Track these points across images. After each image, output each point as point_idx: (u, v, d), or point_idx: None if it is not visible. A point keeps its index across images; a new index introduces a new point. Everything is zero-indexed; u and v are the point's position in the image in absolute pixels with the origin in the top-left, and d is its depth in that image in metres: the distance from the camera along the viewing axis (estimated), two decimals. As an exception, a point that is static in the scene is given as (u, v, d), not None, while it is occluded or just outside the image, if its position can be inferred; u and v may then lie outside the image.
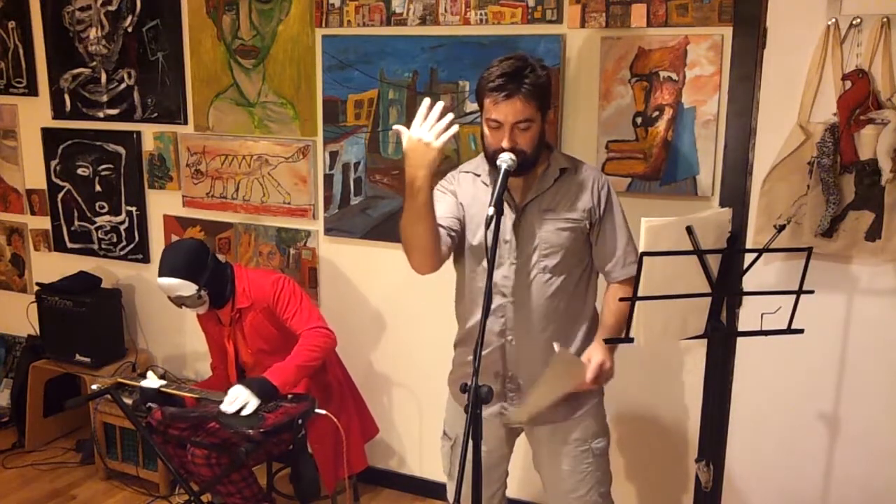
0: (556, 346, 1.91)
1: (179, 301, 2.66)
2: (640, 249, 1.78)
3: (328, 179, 3.09)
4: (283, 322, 2.70)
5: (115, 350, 3.50)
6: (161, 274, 2.63)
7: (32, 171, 3.78)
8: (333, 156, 3.06)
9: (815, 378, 2.48)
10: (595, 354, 1.96)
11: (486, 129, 1.91)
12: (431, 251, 1.91)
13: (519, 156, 1.86)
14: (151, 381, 2.67)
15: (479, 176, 2.07)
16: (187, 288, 2.61)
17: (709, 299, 1.96)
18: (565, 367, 1.93)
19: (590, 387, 1.96)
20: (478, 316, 2.07)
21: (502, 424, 2.12)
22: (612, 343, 1.97)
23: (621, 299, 1.89)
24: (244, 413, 2.48)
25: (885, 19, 2.20)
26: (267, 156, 3.18)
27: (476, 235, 2.01)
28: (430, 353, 3.02)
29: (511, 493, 2.37)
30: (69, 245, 3.75)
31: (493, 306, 1.97)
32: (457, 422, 2.16)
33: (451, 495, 2.26)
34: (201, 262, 2.65)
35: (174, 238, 3.46)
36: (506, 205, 1.97)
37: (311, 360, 2.62)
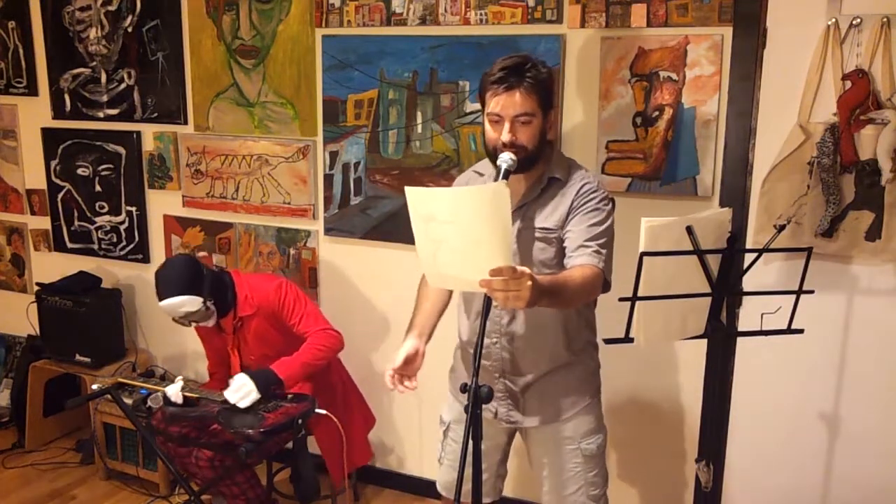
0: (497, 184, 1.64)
1: (188, 318, 2.62)
2: (641, 249, 1.78)
3: (328, 179, 3.08)
4: (290, 327, 2.69)
5: (115, 350, 3.50)
6: (163, 296, 2.57)
7: (32, 171, 3.78)
8: (333, 156, 3.06)
9: (815, 378, 2.48)
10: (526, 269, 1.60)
11: (487, 126, 1.91)
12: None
13: (519, 152, 1.85)
14: (174, 390, 2.60)
15: (482, 175, 2.06)
16: (193, 303, 2.58)
17: (709, 299, 1.96)
18: (491, 206, 1.52)
19: (486, 281, 1.56)
20: (470, 316, 2.09)
21: (496, 420, 2.12)
22: (611, 343, 1.96)
23: (621, 299, 1.86)
24: (243, 403, 2.48)
25: (885, 19, 2.20)
26: (267, 156, 3.18)
27: None
28: (429, 353, 3.00)
29: (511, 492, 2.37)
30: (69, 245, 3.75)
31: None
32: (449, 409, 2.23)
33: (439, 482, 2.29)
34: (198, 274, 2.62)
35: (174, 238, 3.46)
36: None
37: (317, 358, 2.62)
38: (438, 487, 2.29)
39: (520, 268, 1.56)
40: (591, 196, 1.92)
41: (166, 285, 2.58)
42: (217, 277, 2.70)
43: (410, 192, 1.58)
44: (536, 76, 1.85)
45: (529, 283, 1.56)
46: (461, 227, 1.55)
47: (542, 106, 1.87)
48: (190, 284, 2.57)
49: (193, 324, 2.68)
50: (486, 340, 2.02)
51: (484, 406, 2.04)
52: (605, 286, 1.91)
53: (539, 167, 1.96)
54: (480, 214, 1.52)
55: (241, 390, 2.50)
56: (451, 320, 2.24)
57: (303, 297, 2.73)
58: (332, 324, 2.73)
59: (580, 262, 1.85)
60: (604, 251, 1.87)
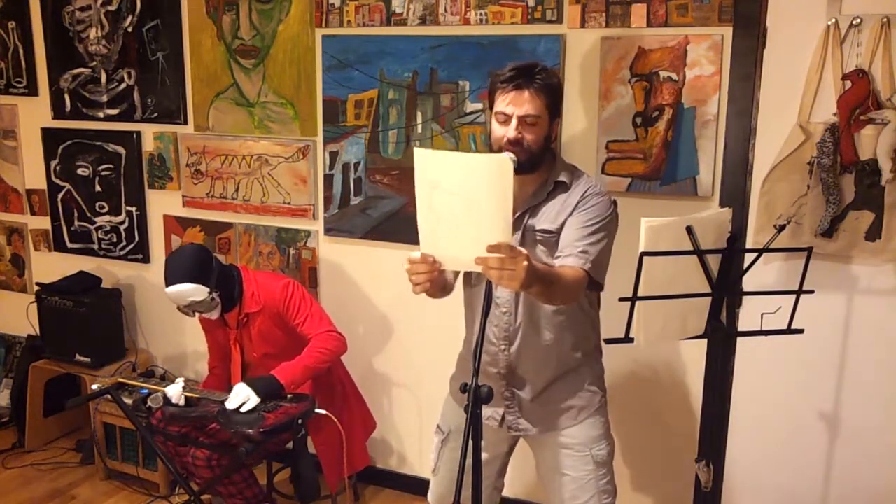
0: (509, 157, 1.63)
1: (192, 308, 2.63)
2: (641, 249, 1.78)
3: (328, 179, 3.08)
4: (294, 327, 2.69)
5: (115, 350, 3.50)
6: (170, 283, 2.57)
7: (32, 171, 3.78)
8: (333, 156, 3.06)
9: (815, 378, 2.48)
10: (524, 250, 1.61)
11: (493, 125, 1.91)
12: (438, 292, 1.99)
13: (523, 153, 1.85)
14: (175, 391, 2.59)
15: None
16: (199, 292, 2.58)
17: (709, 299, 1.96)
18: (495, 178, 1.53)
19: (482, 259, 1.56)
20: (476, 322, 2.09)
21: (502, 428, 2.10)
22: (612, 343, 1.96)
23: (621, 299, 1.86)
24: (243, 410, 2.49)
25: (885, 19, 2.20)
26: (267, 156, 3.18)
27: None
28: (430, 352, 3.02)
29: (511, 493, 2.37)
30: (69, 245, 3.74)
31: (489, 315, 1.94)
32: (450, 417, 2.17)
33: (432, 494, 2.28)
34: (207, 264, 2.63)
35: (174, 238, 3.46)
36: None
37: (319, 362, 2.62)
38: (430, 499, 2.27)
39: (517, 247, 1.56)
40: (592, 199, 1.93)
41: (174, 272, 2.58)
42: (225, 271, 2.71)
43: (419, 153, 1.57)
44: (546, 79, 1.87)
45: (525, 263, 1.56)
46: (465, 197, 1.55)
47: (548, 109, 1.88)
48: (198, 273, 2.58)
49: (197, 314, 2.68)
50: (493, 347, 2.02)
51: (489, 414, 2.05)
52: (596, 286, 1.91)
53: (542, 172, 1.96)
54: (484, 184, 1.52)
55: (241, 398, 2.51)
56: (451, 325, 2.24)
57: (308, 298, 2.73)
58: (336, 326, 2.73)
59: (567, 262, 1.85)
60: (591, 252, 1.86)
